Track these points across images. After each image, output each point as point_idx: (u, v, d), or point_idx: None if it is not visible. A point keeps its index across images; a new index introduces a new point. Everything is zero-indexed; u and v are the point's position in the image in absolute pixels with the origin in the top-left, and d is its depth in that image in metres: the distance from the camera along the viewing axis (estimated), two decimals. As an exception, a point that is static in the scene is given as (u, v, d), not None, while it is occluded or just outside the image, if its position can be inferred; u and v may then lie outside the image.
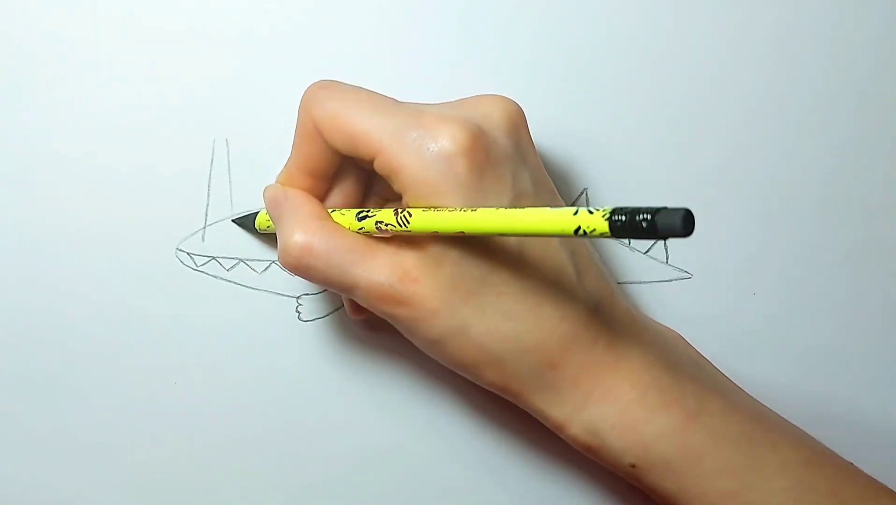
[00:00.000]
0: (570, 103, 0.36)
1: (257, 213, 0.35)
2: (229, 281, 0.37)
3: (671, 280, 0.37)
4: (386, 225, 0.30)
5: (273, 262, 0.37)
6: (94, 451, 0.37)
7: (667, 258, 0.37)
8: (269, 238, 0.36)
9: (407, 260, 0.30)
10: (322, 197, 0.33)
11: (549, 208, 0.25)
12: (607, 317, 0.31)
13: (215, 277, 0.36)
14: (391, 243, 0.30)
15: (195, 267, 0.37)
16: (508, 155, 0.30)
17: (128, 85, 0.36)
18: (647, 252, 0.37)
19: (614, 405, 0.30)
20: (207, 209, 0.36)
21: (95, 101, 0.36)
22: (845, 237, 0.37)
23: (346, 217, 0.31)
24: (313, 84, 0.31)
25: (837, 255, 0.37)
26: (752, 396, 0.34)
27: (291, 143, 0.32)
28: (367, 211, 0.31)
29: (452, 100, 0.32)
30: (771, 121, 0.37)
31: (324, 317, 0.37)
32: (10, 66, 0.35)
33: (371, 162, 0.30)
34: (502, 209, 0.27)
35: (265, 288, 0.37)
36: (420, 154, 0.29)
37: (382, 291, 0.30)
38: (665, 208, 0.23)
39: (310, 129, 0.31)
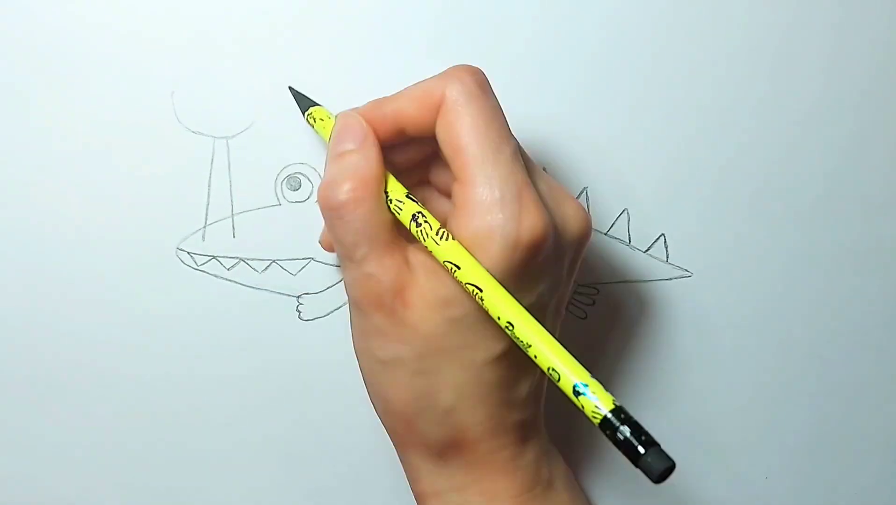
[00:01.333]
0: (571, 103, 0.36)
1: (316, 105, 0.34)
2: (230, 280, 0.37)
3: (672, 279, 0.37)
4: (423, 222, 0.29)
5: (274, 261, 0.37)
6: (94, 451, 0.37)
7: (667, 257, 0.37)
8: (270, 238, 0.36)
9: (410, 281, 0.29)
10: (389, 145, 0.31)
11: (570, 358, 0.26)
12: (527, 432, 0.32)
13: (216, 276, 0.36)
14: (412, 251, 0.30)
15: (195, 266, 0.37)
16: (557, 268, 0.30)
17: (128, 85, 0.35)
18: (647, 251, 0.37)
19: (486, 504, 0.31)
20: (207, 209, 0.36)
21: (95, 101, 0.35)
22: (845, 237, 0.37)
23: (395, 188, 0.30)
24: (471, 70, 0.29)
25: (837, 255, 0.37)
26: None
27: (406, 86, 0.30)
28: (426, 216, 0.29)
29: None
30: (771, 120, 0.37)
31: (324, 316, 0.37)
32: (10, 65, 0.35)
33: (452, 170, 0.29)
34: (532, 319, 0.27)
35: (265, 287, 0.37)
36: (493, 216, 0.28)
37: (372, 288, 0.29)
38: (656, 449, 0.23)
39: (433, 100, 0.29)
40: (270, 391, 0.37)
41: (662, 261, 0.37)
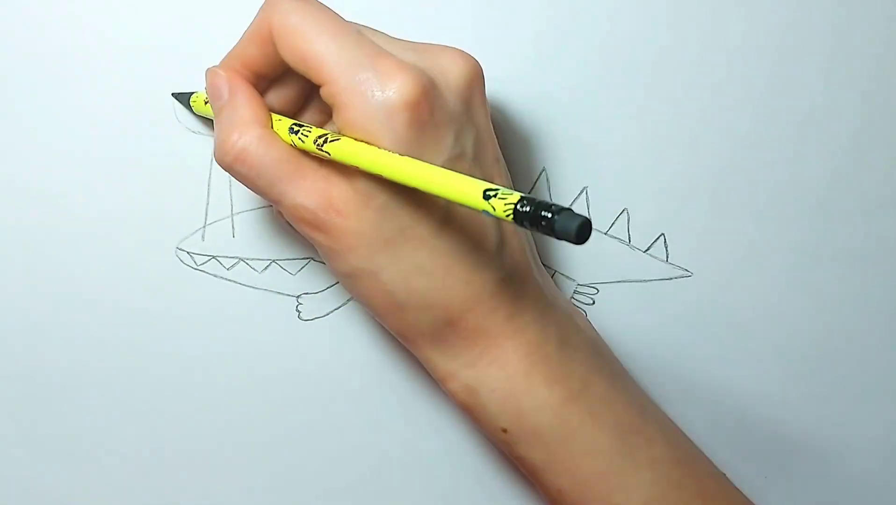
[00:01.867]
0: (571, 103, 0.36)
1: (195, 92, 0.35)
2: (229, 280, 0.37)
3: (671, 278, 0.37)
4: (298, 129, 0.30)
5: (273, 261, 0.37)
6: (94, 451, 0.37)
7: (667, 256, 0.37)
8: (269, 237, 0.36)
9: (335, 190, 0.29)
10: (260, 93, 0.32)
11: (466, 179, 0.26)
12: (516, 288, 0.32)
13: (215, 276, 0.36)
14: (324, 167, 0.30)
15: (195, 266, 0.37)
16: (454, 115, 0.30)
17: (128, 85, 0.35)
18: (647, 250, 0.37)
19: (500, 371, 0.31)
20: (207, 209, 0.36)
21: (95, 100, 0.35)
22: (845, 237, 0.37)
23: (281, 125, 0.31)
24: None
25: (837, 254, 0.37)
26: (641, 389, 0.35)
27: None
28: (302, 126, 0.30)
29: (422, 41, 0.31)
30: (771, 120, 0.37)
31: (324, 316, 0.37)
32: (10, 65, 0.35)
33: (313, 81, 0.30)
34: (425, 164, 0.27)
35: (265, 287, 0.37)
36: (365, 97, 0.28)
37: (305, 214, 0.30)
38: (567, 211, 0.23)
39: (264, 35, 0.30)
40: (270, 391, 0.37)
41: (662, 260, 0.37)
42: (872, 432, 0.38)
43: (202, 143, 0.36)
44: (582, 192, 0.37)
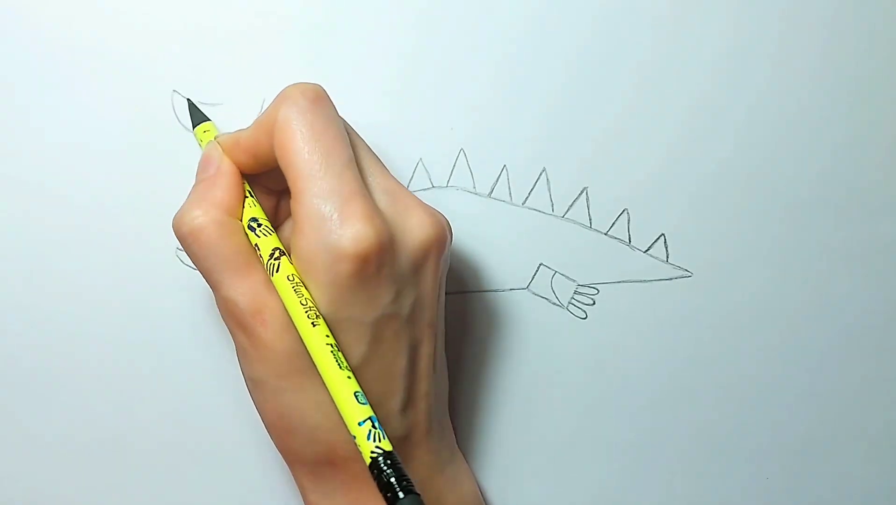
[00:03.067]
0: (571, 103, 0.36)
1: (208, 120, 0.35)
2: (230, 281, 0.36)
3: (672, 279, 0.37)
4: (258, 249, 0.30)
5: (273, 261, 0.37)
6: (93, 451, 0.37)
7: (667, 257, 0.37)
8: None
9: (270, 302, 0.29)
10: (253, 174, 0.32)
11: (354, 405, 0.27)
12: (408, 450, 0.32)
13: (216, 276, 0.36)
14: (267, 274, 0.30)
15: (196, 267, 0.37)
16: (400, 276, 0.30)
17: (128, 85, 0.35)
18: (647, 251, 0.37)
19: None
20: (208, 209, 0.36)
21: (95, 100, 0.35)
22: (845, 237, 0.37)
23: (251, 210, 0.31)
24: (302, 88, 0.30)
25: (838, 254, 0.37)
26: None
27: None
28: (259, 227, 0.30)
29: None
30: (772, 120, 0.37)
31: (324, 316, 0.37)
32: (10, 65, 0.35)
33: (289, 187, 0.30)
34: (329, 359, 0.28)
35: (265, 288, 0.37)
36: (320, 232, 0.28)
37: (234, 310, 0.30)
38: (413, 497, 0.25)
39: (270, 125, 0.30)
40: (270, 392, 0.37)
41: (662, 261, 0.37)
42: (873, 433, 0.38)
43: (202, 144, 0.36)
44: (582, 192, 0.37)
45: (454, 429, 0.36)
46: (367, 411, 0.27)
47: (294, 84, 0.30)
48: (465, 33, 0.36)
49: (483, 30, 0.36)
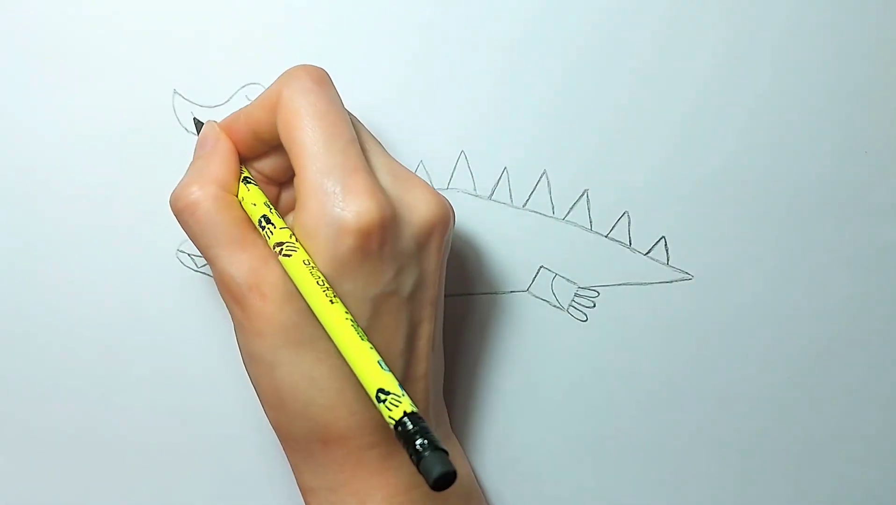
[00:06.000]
0: (570, 104, 0.36)
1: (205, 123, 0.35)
2: (230, 282, 0.36)
3: (672, 281, 0.37)
4: (266, 225, 0.30)
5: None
6: (93, 451, 0.37)
7: (668, 259, 0.37)
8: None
9: (268, 274, 0.29)
10: (253, 155, 0.32)
11: (374, 362, 0.27)
12: None
13: (216, 277, 0.36)
14: (265, 247, 0.30)
15: (196, 268, 0.37)
16: (403, 253, 0.30)
17: (128, 85, 0.35)
18: (647, 253, 0.37)
19: (360, 504, 0.31)
20: (208, 210, 0.36)
21: (95, 101, 0.35)
22: (845, 238, 0.37)
23: (252, 193, 0.31)
24: (307, 69, 0.30)
25: (838, 255, 0.37)
26: None
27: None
28: (269, 209, 0.30)
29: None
30: (773, 122, 0.37)
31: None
32: (10, 65, 0.35)
33: (292, 164, 0.30)
34: (346, 322, 0.28)
35: (266, 289, 0.37)
36: (324, 207, 0.28)
37: (231, 284, 0.29)
38: (439, 453, 0.24)
39: (273, 102, 0.30)
40: (270, 393, 0.37)
41: (663, 263, 0.37)
42: (873, 434, 0.38)
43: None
44: (583, 194, 0.37)
45: (454, 429, 0.37)
46: (381, 380, 0.26)
47: (298, 65, 0.30)
48: (467, 35, 0.36)
49: (484, 32, 0.36)
